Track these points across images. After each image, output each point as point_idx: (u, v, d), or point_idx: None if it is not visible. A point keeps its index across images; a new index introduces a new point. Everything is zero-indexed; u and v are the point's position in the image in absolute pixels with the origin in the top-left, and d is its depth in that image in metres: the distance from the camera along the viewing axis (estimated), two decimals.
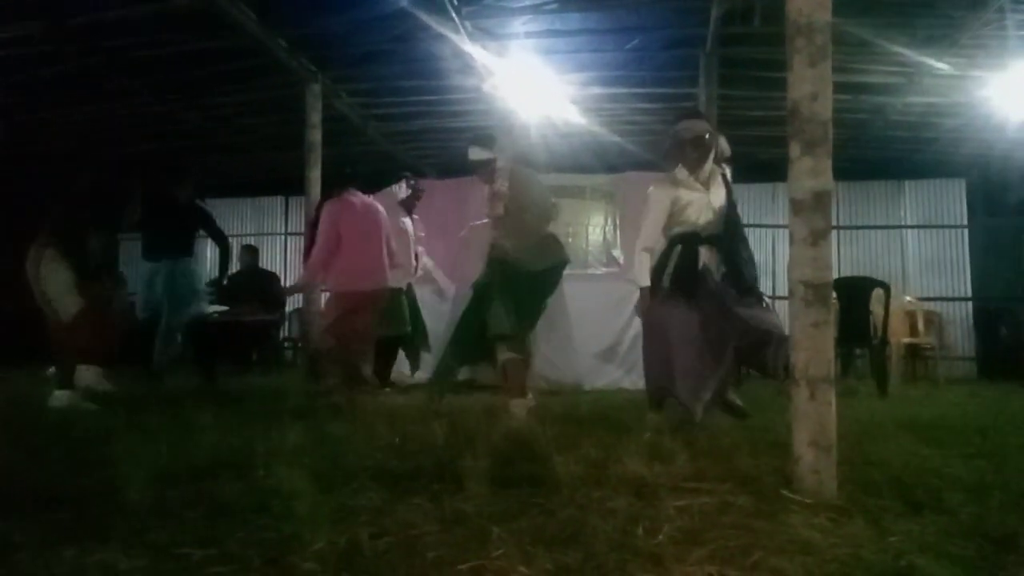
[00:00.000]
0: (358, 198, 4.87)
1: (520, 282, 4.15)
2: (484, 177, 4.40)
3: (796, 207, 2.22)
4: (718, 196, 3.66)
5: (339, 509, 1.90)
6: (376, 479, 2.26)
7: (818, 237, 2.20)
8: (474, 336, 4.21)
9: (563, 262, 4.44)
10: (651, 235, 3.68)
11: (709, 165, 3.66)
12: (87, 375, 4.69)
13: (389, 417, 3.58)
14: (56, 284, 4.32)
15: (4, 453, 2.46)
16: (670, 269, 3.66)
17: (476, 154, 4.41)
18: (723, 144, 3.83)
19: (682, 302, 3.55)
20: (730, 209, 3.66)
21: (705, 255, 3.63)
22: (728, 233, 3.64)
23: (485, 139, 4.48)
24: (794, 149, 2.24)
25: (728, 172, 3.80)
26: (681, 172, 3.66)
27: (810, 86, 2.23)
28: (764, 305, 3.66)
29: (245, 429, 3.05)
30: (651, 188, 3.74)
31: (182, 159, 8.59)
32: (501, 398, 4.30)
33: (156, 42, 6.65)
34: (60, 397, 4.22)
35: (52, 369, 6.88)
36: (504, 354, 4.09)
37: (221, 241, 6.23)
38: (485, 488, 2.17)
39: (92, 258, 4.49)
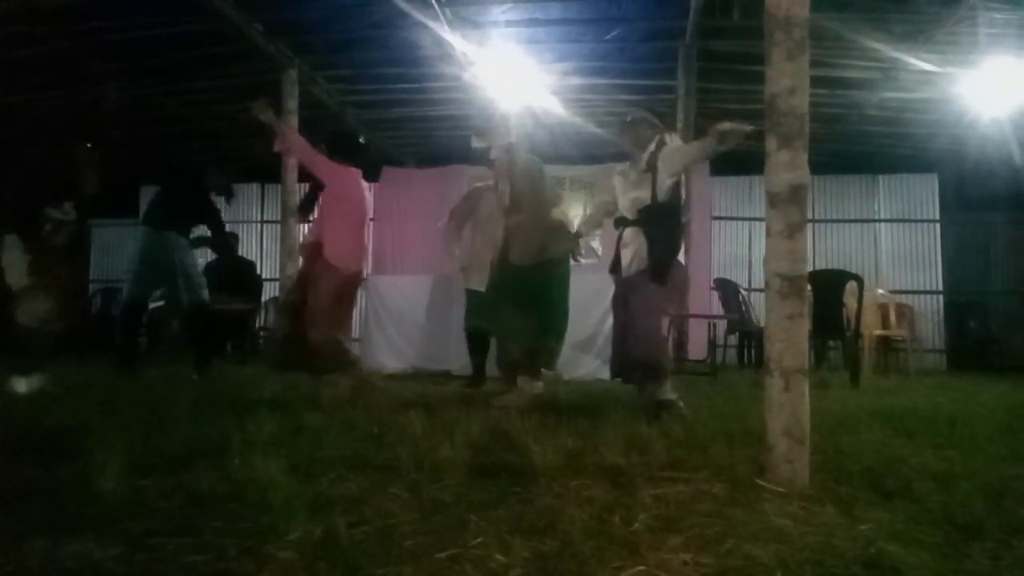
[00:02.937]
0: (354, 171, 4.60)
1: (524, 278, 4.18)
2: (488, 165, 4.48)
3: (773, 200, 2.24)
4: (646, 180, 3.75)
5: (316, 499, 1.89)
6: (354, 469, 2.26)
7: (794, 230, 2.22)
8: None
9: (568, 251, 4.43)
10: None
11: (646, 150, 3.77)
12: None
13: (366, 407, 3.56)
14: (13, 269, 4.26)
15: None
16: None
17: (476, 143, 4.46)
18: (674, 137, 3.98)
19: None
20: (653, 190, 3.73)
21: (629, 236, 3.81)
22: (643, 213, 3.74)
23: (483, 128, 4.53)
24: (771, 143, 2.25)
25: (663, 151, 3.76)
26: (630, 164, 3.89)
27: (788, 80, 2.25)
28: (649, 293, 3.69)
29: (221, 419, 3.02)
30: None
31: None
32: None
33: (131, 25, 6.54)
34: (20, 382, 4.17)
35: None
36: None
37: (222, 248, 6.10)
38: (463, 477, 2.17)
39: (54, 237, 4.38)
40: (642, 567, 1.48)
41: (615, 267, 3.92)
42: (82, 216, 4.61)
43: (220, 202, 5.68)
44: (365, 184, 4.55)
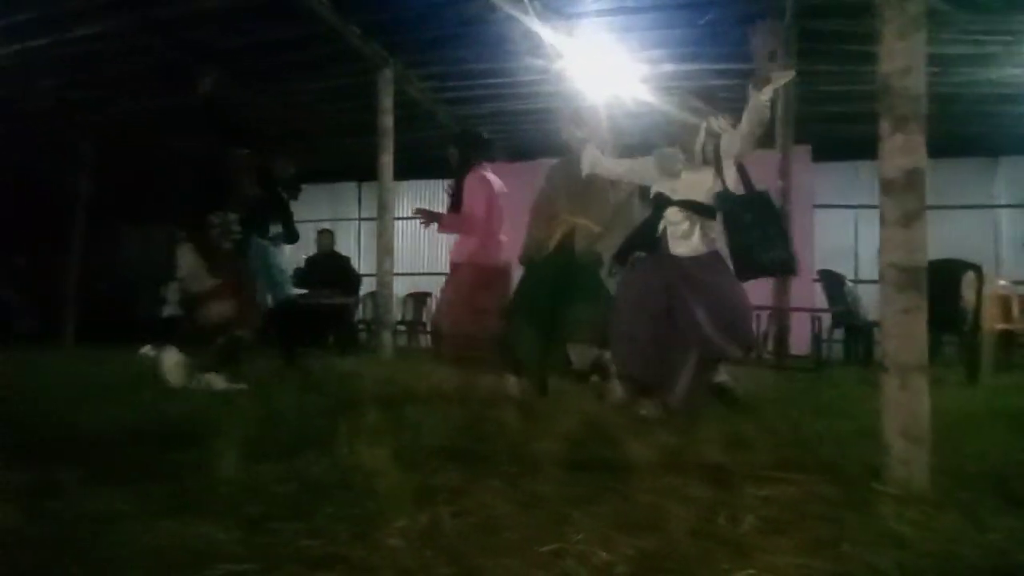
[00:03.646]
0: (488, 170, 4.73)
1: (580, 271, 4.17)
2: (576, 153, 4.43)
3: (887, 187, 2.12)
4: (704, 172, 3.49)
5: (419, 488, 1.94)
6: (453, 460, 2.30)
7: (911, 218, 2.10)
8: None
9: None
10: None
11: (699, 143, 3.46)
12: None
13: (461, 400, 3.62)
14: (194, 273, 4.35)
15: (105, 431, 2.61)
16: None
17: (566, 132, 4.43)
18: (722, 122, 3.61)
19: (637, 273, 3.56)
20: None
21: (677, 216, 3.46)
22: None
23: (574, 117, 4.49)
24: (885, 126, 2.13)
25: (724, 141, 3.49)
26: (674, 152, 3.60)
27: (901, 60, 2.12)
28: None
29: (327, 410, 3.14)
30: None
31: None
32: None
33: (235, 32, 6.86)
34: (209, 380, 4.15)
35: (147, 347, 7.29)
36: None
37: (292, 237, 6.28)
38: (560, 471, 2.17)
39: (221, 242, 4.46)
40: (751, 570, 1.44)
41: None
42: (244, 222, 4.74)
43: (314, 198, 5.88)
44: (492, 178, 4.66)
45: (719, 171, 3.39)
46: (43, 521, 1.62)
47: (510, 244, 4.81)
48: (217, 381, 4.12)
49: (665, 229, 3.42)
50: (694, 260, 3.35)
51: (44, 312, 9.44)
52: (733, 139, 3.35)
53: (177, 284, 4.48)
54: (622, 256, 3.68)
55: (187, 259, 4.38)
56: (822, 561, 1.49)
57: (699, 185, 3.43)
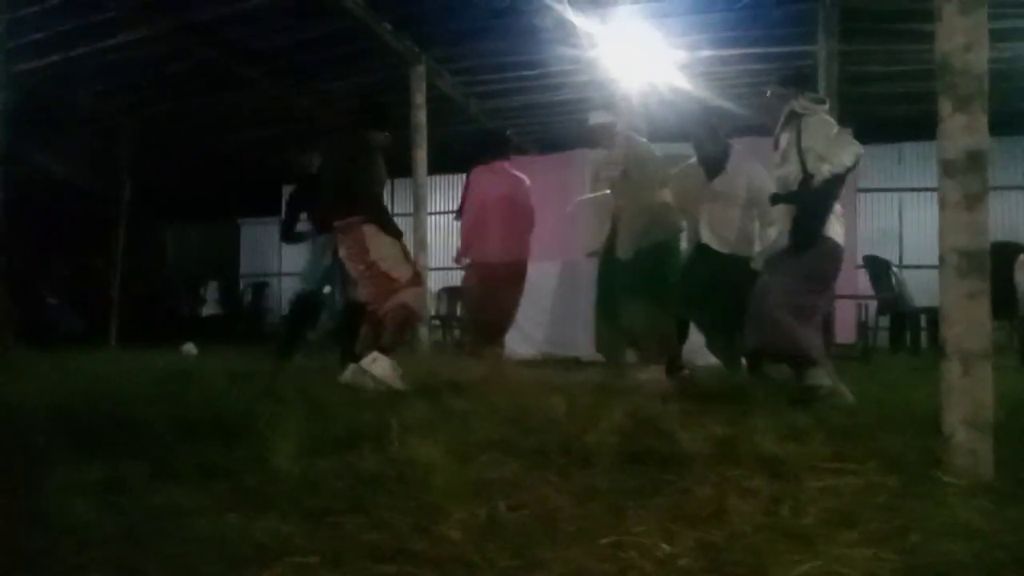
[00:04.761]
0: (498, 167, 4.78)
1: (635, 265, 4.17)
2: (604, 142, 4.41)
3: (948, 168, 2.05)
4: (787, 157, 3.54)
5: (474, 481, 1.94)
6: (505, 453, 2.29)
7: (974, 201, 2.03)
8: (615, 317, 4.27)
9: (674, 234, 4.37)
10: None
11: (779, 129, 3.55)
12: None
13: (507, 392, 3.61)
14: (396, 260, 4.18)
15: (161, 427, 2.65)
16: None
17: (597, 117, 4.41)
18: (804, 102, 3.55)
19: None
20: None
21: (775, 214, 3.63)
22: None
23: (606, 103, 4.49)
24: (945, 106, 2.07)
25: (808, 123, 3.47)
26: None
27: (962, 36, 2.05)
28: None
29: (373, 404, 3.17)
30: None
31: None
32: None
33: (269, 31, 6.94)
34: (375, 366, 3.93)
35: (188, 345, 7.43)
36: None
37: None
38: (613, 464, 2.16)
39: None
40: (819, 562, 1.41)
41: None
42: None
43: None
44: (512, 174, 4.66)
45: (800, 154, 3.41)
46: (112, 516, 1.65)
47: (528, 239, 4.79)
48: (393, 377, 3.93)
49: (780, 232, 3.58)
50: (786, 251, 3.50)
51: (87, 314, 9.69)
52: (823, 137, 3.36)
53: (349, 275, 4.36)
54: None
55: (383, 247, 4.15)
56: (892, 552, 1.46)
57: (782, 168, 3.53)
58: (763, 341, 3.46)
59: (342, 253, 4.31)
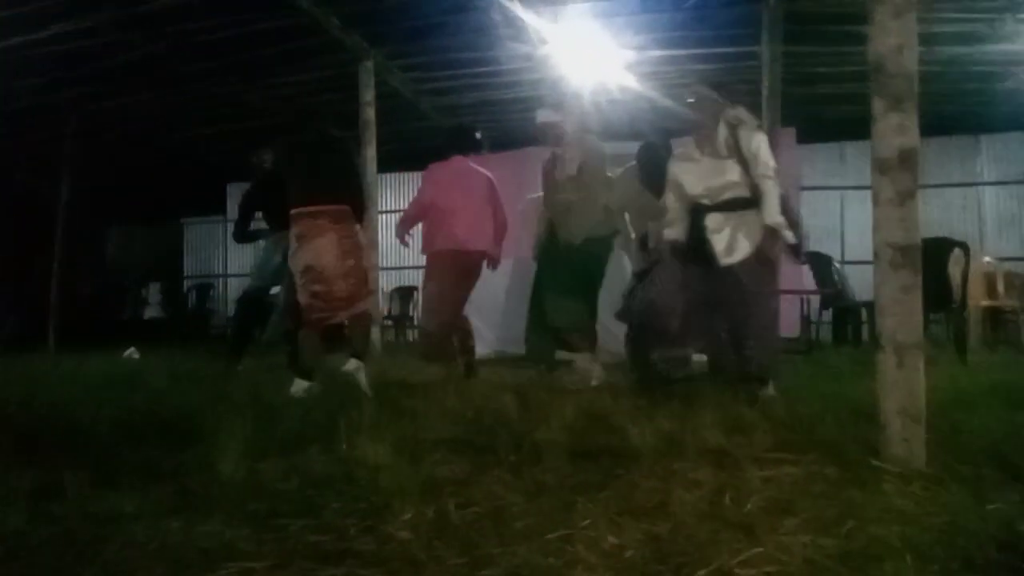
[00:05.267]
0: (459, 161, 4.60)
1: (569, 259, 4.21)
2: (552, 140, 4.40)
3: (881, 166, 2.13)
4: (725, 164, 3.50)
5: (424, 480, 1.93)
6: (456, 452, 2.30)
7: (905, 197, 2.11)
8: (545, 321, 4.33)
9: (611, 234, 4.43)
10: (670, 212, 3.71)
11: (720, 134, 3.48)
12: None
13: (458, 391, 3.61)
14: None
15: (102, 432, 2.58)
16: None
17: (545, 116, 4.40)
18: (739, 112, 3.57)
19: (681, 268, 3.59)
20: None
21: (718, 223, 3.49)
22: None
23: (554, 102, 4.49)
24: (878, 106, 2.14)
25: (746, 133, 3.50)
26: (687, 146, 3.67)
27: (895, 38, 2.13)
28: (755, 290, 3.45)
29: (323, 405, 3.13)
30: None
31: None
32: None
33: (216, 25, 6.77)
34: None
35: (130, 349, 7.21)
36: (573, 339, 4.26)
37: None
38: (563, 460, 2.18)
39: None
40: (760, 549, 1.45)
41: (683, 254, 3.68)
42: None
43: None
44: (476, 168, 4.60)
45: (742, 163, 3.43)
46: (48, 524, 1.60)
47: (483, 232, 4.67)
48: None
49: (710, 240, 3.45)
50: (740, 265, 3.40)
51: (23, 317, 9.33)
52: (763, 149, 3.41)
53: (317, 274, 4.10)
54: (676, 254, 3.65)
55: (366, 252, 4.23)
56: (829, 538, 1.51)
57: (719, 175, 3.47)
58: (754, 359, 3.40)
59: (327, 240, 4.05)
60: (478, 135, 4.85)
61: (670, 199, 3.67)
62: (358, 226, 4.16)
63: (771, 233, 3.35)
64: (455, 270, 4.36)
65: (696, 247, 3.52)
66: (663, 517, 1.64)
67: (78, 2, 6.20)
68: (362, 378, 3.86)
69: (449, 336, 4.45)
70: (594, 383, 4.09)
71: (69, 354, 7.04)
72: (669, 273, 3.62)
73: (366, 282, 4.20)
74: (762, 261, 3.41)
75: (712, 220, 3.48)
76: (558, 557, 1.45)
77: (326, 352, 4.21)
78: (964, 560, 1.38)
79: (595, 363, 4.33)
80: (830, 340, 7.62)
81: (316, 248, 4.00)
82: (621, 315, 4.13)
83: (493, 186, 4.56)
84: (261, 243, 5.39)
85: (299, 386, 3.77)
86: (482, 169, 4.62)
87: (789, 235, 3.47)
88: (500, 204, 4.61)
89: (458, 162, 4.50)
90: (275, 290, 5.23)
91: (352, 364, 3.92)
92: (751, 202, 3.42)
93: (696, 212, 3.54)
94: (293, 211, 4.09)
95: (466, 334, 4.62)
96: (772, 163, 3.43)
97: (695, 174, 3.54)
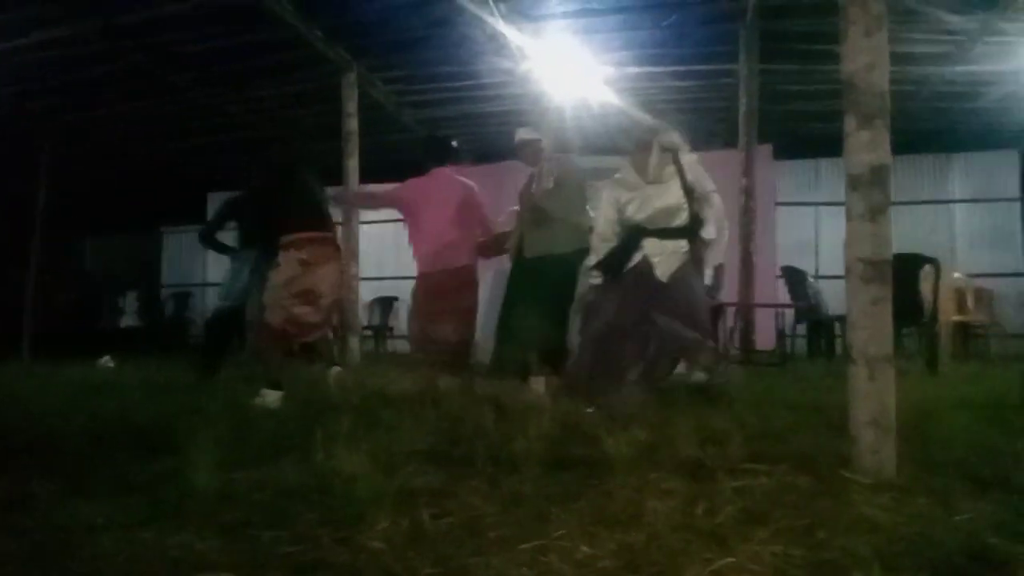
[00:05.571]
0: (444, 174, 4.57)
1: (538, 275, 4.19)
2: (529, 158, 4.42)
3: (853, 182, 2.17)
4: (667, 189, 3.59)
5: (399, 491, 1.92)
6: (431, 462, 2.29)
7: (876, 212, 2.15)
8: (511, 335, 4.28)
9: (583, 249, 4.42)
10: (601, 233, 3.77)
11: (654, 159, 3.58)
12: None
13: (435, 403, 3.60)
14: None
15: (74, 442, 2.55)
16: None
17: (523, 134, 4.43)
18: (674, 137, 3.67)
19: (614, 289, 3.64)
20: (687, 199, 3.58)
21: (656, 247, 3.58)
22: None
23: (533, 120, 4.52)
24: (850, 122, 2.19)
25: (686, 159, 3.63)
26: (625, 170, 3.72)
27: (866, 56, 2.18)
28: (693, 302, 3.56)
29: (300, 416, 3.11)
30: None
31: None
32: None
33: (200, 37, 6.76)
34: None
35: (104, 358, 7.10)
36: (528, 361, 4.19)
37: None
38: (539, 470, 2.18)
39: None
40: (731, 559, 1.46)
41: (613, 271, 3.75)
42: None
43: None
44: (453, 180, 4.58)
45: (685, 190, 3.53)
46: (16, 536, 1.58)
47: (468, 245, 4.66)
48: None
49: (645, 256, 3.57)
50: (672, 278, 3.52)
51: None
52: (700, 173, 3.54)
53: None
54: (607, 270, 3.73)
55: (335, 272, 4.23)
56: (799, 548, 1.52)
57: (663, 200, 3.57)
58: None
59: (333, 269, 4.12)
60: (454, 143, 4.85)
61: (605, 222, 3.74)
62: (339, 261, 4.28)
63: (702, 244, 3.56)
64: (448, 289, 4.38)
65: (622, 260, 3.64)
66: (636, 527, 1.65)
67: (59, 11, 6.16)
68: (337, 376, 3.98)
69: (464, 352, 4.50)
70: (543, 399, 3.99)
71: (43, 363, 6.93)
72: (608, 303, 3.65)
73: (334, 312, 4.36)
74: (696, 264, 3.59)
75: (650, 244, 3.59)
76: (531, 567, 1.45)
77: (282, 363, 4.19)
78: (931, 570, 1.40)
79: (548, 385, 4.16)
80: (804, 353, 7.70)
81: (323, 275, 4.05)
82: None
83: (476, 193, 4.58)
84: (233, 259, 5.32)
85: (271, 396, 3.77)
86: (464, 179, 4.62)
87: (709, 274, 3.67)
88: (484, 211, 4.64)
89: (440, 175, 4.50)
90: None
91: (335, 372, 4.08)
92: (688, 232, 3.57)
93: (632, 234, 3.65)
94: (299, 234, 4.05)
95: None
96: (710, 184, 3.61)
97: (639, 200, 3.62)
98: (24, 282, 8.98)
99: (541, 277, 4.20)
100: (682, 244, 3.57)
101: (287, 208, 4.15)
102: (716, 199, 3.60)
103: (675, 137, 3.62)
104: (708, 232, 3.56)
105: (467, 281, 4.49)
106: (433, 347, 4.34)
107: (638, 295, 3.54)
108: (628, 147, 3.70)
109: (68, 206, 10.20)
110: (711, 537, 1.59)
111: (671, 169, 3.59)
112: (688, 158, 3.61)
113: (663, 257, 3.56)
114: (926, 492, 1.91)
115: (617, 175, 3.78)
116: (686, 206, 3.55)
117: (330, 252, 4.11)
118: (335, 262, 4.13)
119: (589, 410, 3.34)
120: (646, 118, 3.72)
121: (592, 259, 3.80)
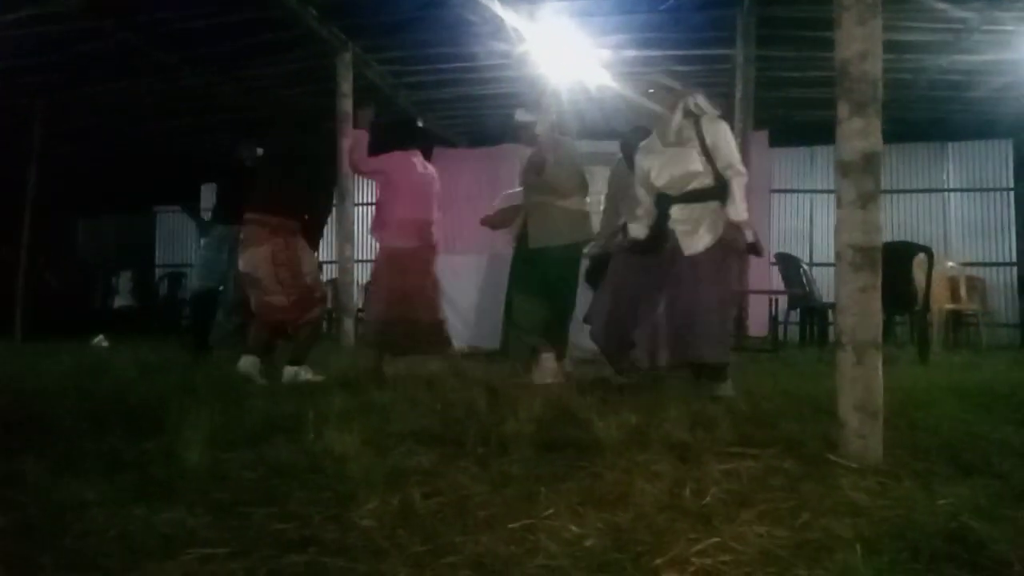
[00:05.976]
0: (417, 156, 4.63)
1: (541, 262, 4.21)
2: (527, 140, 4.42)
3: (845, 169, 2.18)
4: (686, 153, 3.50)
5: (390, 471, 1.94)
6: (423, 443, 2.31)
7: (867, 200, 2.16)
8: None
9: (585, 240, 4.44)
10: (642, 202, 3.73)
11: (676, 122, 3.49)
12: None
13: (428, 384, 3.62)
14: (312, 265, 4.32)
15: (67, 420, 2.55)
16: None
17: (522, 116, 4.43)
18: (700, 100, 3.57)
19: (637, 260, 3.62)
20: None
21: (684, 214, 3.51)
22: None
23: (532, 102, 4.51)
24: (843, 110, 2.19)
25: (708, 124, 3.50)
26: (651, 138, 3.68)
27: (859, 44, 2.18)
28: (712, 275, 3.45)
29: (292, 396, 3.12)
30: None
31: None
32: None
33: (192, 15, 6.69)
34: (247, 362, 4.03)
35: (98, 337, 7.11)
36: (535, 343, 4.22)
37: None
38: (530, 452, 2.20)
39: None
40: (716, 539, 1.48)
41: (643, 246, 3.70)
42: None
43: None
44: (424, 163, 4.58)
45: (705, 153, 3.44)
46: (8, 512, 1.59)
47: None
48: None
49: (674, 230, 3.49)
50: (702, 255, 3.42)
51: None
52: (725, 139, 3.44)
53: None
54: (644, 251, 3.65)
55: (311, 262, 4.34)
56: (784, 530, 1.55)
57: (681, 164, 3.48)
58: (704, 352, 3.37)
59: (263, 251, 4.10)
60: (420, 123, 4.84)
61: (641, 192, 3.71)
62: (301, 241, 4.21)
63: (735, 227, 3.41)
64: (420, 264, 4.41)
65: (658, 237, 3.55)
66: (624, 507, 1.67)
67: None
68: (302, 378, 3.95)
69: (440, 331, 4.51)
70: (549, 380, 4.03)
71: (36, 343, 6.92)
72: (621, 277, 3.65)
73: (310, 295, 4.22)
74: (726, 252, 3.45)
75: (676, 211, 3.50)
76: (519, 545, 1.47)
77: (268, 346, 4.32)
78: (912, 551, 1.42)
79: (558, 363, 4.25)
80: (797, 340, 7.75)
81: (252, 256, 4.12)
82: (587, 319, 4.11)
83: (437, 180, 4.62)
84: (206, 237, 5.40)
85: (247, 362, 3.92)
86: (427, 166, 4.62)
87: (750, 233, 3.53)
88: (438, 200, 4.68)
89: (414, 156, 4.51)
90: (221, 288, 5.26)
91: (288, 374, 3.99)
92: (715, 193, 3.45)
93: (661, 203, 3.57)
94: (245, 214, 4.17)
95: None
96: (736, 155, 3.48)
97: (659, 165, 3.56)
98: (16, 262, 8.94)
99: (544, 267, 4.22)
100: (709, 208, 3.45)
101: (252, 191, 4.26)
102: (737, 180, 3.41)
103: (701, 100, 3.54)
104: (736, 212, 3.38)
105: (433, 260, 4.55)
106: (399, 327, 4.31)
107: (659, 268, 3.50)
108: (655, 109, 3.56)
109: (60, 186, 10.15)
110: (697, 517, 1.61)
111: (691, 132, 3.48)
112: (714, 124, 3.48)
113: (690, 227, 3.46)
114: (911, 476, 1.94)
115: (642, 143, 3.73)
116: (709, 170, 3.44)
117: (262, 233, 4.11)
118: (266, 244, 4.09)
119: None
120: (673, 82, 3.63)
121: (632, 228, 3.74)
